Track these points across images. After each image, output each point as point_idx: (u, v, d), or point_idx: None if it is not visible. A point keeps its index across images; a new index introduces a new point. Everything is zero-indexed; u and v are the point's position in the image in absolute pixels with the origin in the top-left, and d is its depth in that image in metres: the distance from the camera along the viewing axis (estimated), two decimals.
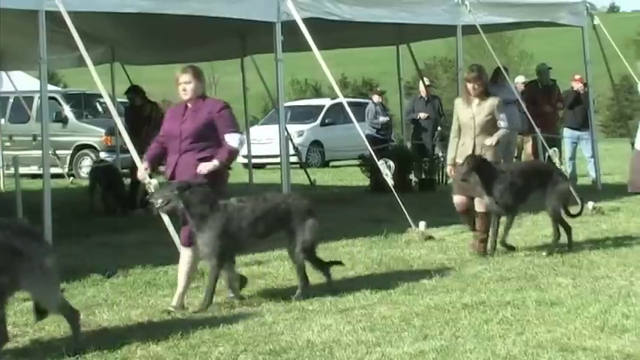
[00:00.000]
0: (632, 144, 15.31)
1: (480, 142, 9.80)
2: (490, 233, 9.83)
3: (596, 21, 15.92)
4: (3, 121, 22.55)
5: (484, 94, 9.91)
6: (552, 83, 17.71)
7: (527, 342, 6.20)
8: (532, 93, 17.43)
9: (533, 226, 11.70)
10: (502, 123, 9.85)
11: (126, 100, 16.03)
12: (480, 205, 9.88)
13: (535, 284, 8.17)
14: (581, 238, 10.79)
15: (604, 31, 15.85)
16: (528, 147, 19.51)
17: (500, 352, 5.98)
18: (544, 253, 9.66)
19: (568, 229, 10.03)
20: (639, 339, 6.21)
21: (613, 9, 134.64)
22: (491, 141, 9.74)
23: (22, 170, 15.18)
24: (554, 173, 10.33)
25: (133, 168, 10.41)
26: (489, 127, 9.83)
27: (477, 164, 9.53)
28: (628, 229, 11.46)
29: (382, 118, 19.50)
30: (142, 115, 14.53)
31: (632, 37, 65.66)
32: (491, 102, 9.89)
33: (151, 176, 8.25)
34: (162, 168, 8.40)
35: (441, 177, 18.58)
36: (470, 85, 9.91)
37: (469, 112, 9.90)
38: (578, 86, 17.42)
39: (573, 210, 10.32)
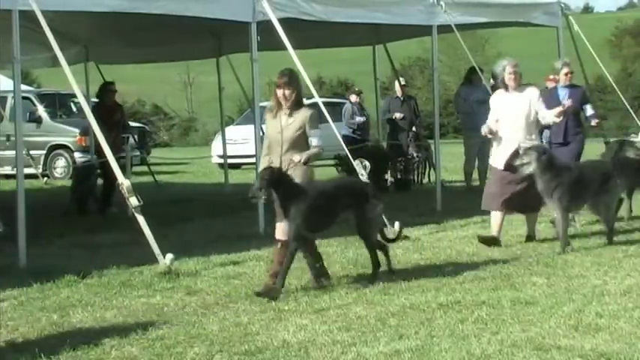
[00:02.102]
0: (606, 143, 15.35)
1: (288, 160, 8.18)
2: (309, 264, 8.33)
3: (574, 25, 15.98)
4: None
5: (296, 104, 8.23)
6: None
7: (502, 341, 6.22)
8: None
9: (508, 226, 11.73)
10: (314, 141, 8.19)
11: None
12: (280, 232, 8.26)
13: (510, 283, 8.21)
14: (556, 238, 10.84)
15: (578, 32, 15.93)
16: None
17: (476, 351, 6.00)
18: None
19: (386, 252, 8.70)
20: (613, 338, 6.25)
21: (587, 9, 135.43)
22: (299, 157, 8.10)
23: None
24: (368, 194, 8.47)
25: (107, 168, 10.34)
26: (301, 143, 8.21)
27: (274, 178, 7.93)
28: (602, 228, 11.51)
29: (359, 119, 19.51)
30: (113, 118, 14.35)
31: (606, 38, 66.02)
32: (304, 114, 8.20)
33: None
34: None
35: (416, 177, 18.65)
36: (280, 92, 8.21)
37: (277, 125, 8.25)
38: (552, 86, 17.48)
39: (390, 233, 9.50)
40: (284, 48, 11.82)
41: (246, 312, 7.34)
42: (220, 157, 21.45)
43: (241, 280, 8.76)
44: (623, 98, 18.50)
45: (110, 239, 11.32)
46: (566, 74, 11.99)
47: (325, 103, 15.42)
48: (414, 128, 18.59)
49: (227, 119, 25.98)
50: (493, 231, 10.51)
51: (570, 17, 16.17)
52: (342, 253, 10.05)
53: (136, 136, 21.19)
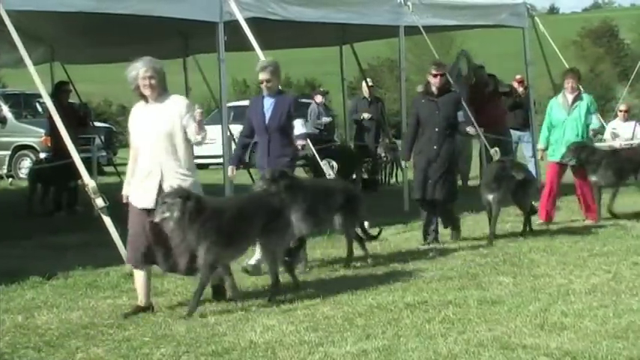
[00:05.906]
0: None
1: None
2: None
3: (540, 26, 16.08)
4: None
5: None
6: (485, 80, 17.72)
7: (469, 340, 6.25)
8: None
9: (474, 225, 11.80)
10: None
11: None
12: None
13: (476, 283, 8.24)
14: (521, 238, 10.91)
15: (544, 33, 16.03)
16: None
17: (442, 350, 6.02)
18: None
19: None
20: (578, 336, 6.30)
21: (552, 10, 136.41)
22: None
23: None
24: None
25: (74, 169, 10.24)
26: None
27: None
28: (568, 227, 11.61)
29: (325, 119, 19.52)
30: (68, 118, 14.09)
31: (571, 38, 66.51)
32: None
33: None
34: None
35: (383, 177, 18.69)
36: None
37: None
38: (519, 90, 17.53)
39: None
40: (251, 48, 11.81)
41: (213, 312, 7.32)
42: None
43: None
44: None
45: (76, 240, 11.23)
46: (267, 81, 9.32)
47: None
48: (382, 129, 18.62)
49: None
50: (139, 298, 7.61)
51: (536, 18, 16.27)
52: (309, 253, 10.04)
53: (102, 137, 21.04)
